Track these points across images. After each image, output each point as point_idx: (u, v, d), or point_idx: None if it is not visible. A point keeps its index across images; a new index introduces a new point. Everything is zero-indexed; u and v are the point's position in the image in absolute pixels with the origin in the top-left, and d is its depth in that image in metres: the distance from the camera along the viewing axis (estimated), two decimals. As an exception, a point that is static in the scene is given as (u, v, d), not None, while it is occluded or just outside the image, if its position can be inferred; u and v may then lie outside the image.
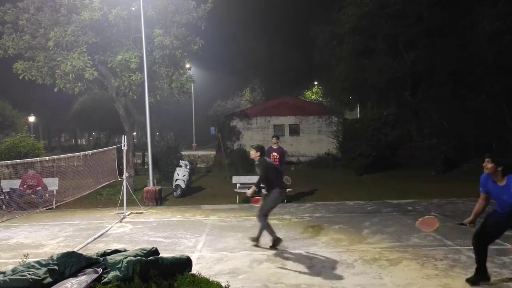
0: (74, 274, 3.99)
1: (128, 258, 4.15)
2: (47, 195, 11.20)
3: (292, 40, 42.00)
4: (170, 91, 12.75)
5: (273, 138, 10.65)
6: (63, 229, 8.34)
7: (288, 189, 11.02)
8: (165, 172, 14.63)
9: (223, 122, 25.29)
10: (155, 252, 4.71)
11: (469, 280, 4.80)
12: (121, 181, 10.39)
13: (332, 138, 19.52)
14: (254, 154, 6.70)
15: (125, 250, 4.81)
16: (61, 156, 12.32)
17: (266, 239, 6.65)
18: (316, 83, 44.19)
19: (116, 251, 4.69)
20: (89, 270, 4.07)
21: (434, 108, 21.30)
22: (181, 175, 12.18)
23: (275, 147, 10.37)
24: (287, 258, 5.93)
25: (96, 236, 7.59)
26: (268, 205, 6.56)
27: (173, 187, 12.29)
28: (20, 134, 15.46)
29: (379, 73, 20.61)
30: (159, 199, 11.15)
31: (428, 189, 12.22)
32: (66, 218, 9.53)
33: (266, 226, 6.51)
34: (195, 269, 4.89)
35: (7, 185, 10.93)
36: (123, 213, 9.48)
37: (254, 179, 10.88)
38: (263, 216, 6.53)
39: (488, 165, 4.63)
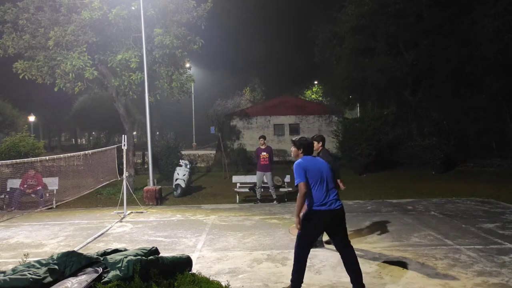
0: (75, 274, 3.99)
1: (128, 258, 4.15)
2: (47, 194, 11.21)
3: (292, 40, 42.12)
4: (170, 90, 12.75)
5: (260, 139, 10.82)
6: (63, 228, 8.35)
7: (288, 189, 11.06)
8: (165, 171, 14.64)
9: (223, 122, 25.32)
10: (155, 251, 4.71)
11: None
12: (121, 180, 10.39)
13: (332, 138, 19.53)
14: (316, 145, 6.51)
15: (125, 250, 4.81)
16: (61, 155, 12.33)
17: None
18: (316, 82, 44.20)
19: (116, 251, 4.70)
20: (89, 269, 4.08)
21: (434, 107, 21.32)
22: (181, 174, 12.19)
23: (263, 147, 10.62)
24: (287, 258, 5.92)
25: (96, 235, 7.59)
26: None
27: (173, 187, 12.29)
28: (20, 134, 15.45)
29: (379, 72, 20.62)
30: (159, 199, 11.15)
31: (428, 189, 12.23)
32: (66, 217, 9.54)
33: None
34: (195, 269, 4.90)
35: (8, 184, 10.94)
36: (123, 212, 9.48)
37: (254, 178, 10.97)
38: None
39: None
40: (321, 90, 42.47)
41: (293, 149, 4.81)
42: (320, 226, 4.65)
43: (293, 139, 4.90)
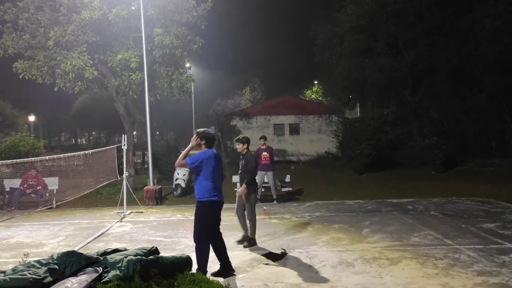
0: (75, 273, 3.99)
1: (128, 257, 4.15)
2: (47, 194, 11.21)
3: (292, 39, 42.09)
4: (170, 90, 12.76)
5: (261, 140, 10.83)
6: (63, 228, 8.35)
7: (288, 189, 11.06)
8: (165, 171, 14.65)
9: (223, 121, 25.35)
10: (155, 251, 4.71)
11: None
12: (121, 180, 10.39)
13: (332, 138, 19.54)
14: (241, 147, 6.66)
15: (125, 249, 4.81)
16: (61, 155, 12.33)
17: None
18: (316, 82, 44.17)
19: (116, 250, 4.70)
20: (90, 269, 4.07)
21: (434, 107, 21.32)
22: (181, 174, 12.19)
23: (263, 147, 10.66)
24: (287, 258, 5.93)
25: (96, 235, 7.59)
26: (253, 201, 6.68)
27: (173, 187, 12.29)
28: (20, 134, 15.45)
29: (379, 72, 20.61)
30: (159, 199, 11.16)
31: (428, 188, 12.23)
32: (66, 217, 9.54)
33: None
34: (195, 268, 4.90)
35: (7, 184, 10.94)
36: (123, 212, 9.48)
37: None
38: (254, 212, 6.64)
39: None
40: (321, 90, 42.43)
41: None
42: (213, 215, 5.12)
43: (198, 130, 5.21)
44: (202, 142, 5.09)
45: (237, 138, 6.77)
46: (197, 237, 5.09)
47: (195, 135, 5.12)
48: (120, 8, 11.20)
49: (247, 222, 6.68)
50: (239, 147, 6.68)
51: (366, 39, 21.82)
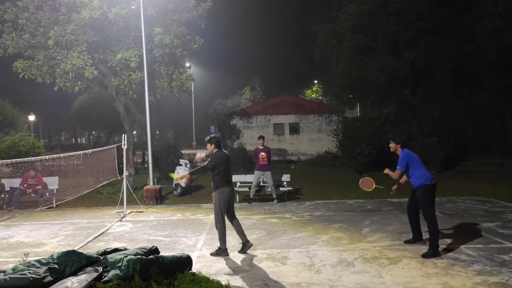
0: (75, 273, 3.99)
1: (129, 257, 4.15)
2: (47, 194, 11.22)
3: (292, 39, 42.01)
4: (170, 89, 12.76)
5: (259, 139, 10.82)
6: (63, 228, 8.35)
7: (288, 188, 11.07)
8: (165, 171, 14.65)
9: (223, 121, 25.36)
10: (155, 250, 4.71)
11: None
12: (121, 179, 10.39)
13: (332, 137, 19.52)
14: (210, 147, 6.25)
15: (125, 249, 4.81)
16: (61, 155, 12.34)
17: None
18: (316, 81, 44.16)
19: (116, 250, 4.69)
20: (90, 268, 4.07)
21: (434, 106, 21.30)
22: (181, 173, 12.19)
23: (261, 147, 10.67)
24: (287, 257, 5.93)
25: (96, 235, 7.60)
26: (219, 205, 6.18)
27: (173, 186, 12.29)
28: (20, 133, 15.47)
29: (379, 71, 20.58)
30: (159, 198, 11.16)
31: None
32: (66, 217, 9.54)
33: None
34: (195, 268, 4.89)
35: (7, 184, 10.95)
36: (123, 211, 9.49)
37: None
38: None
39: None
40: (321, 89, 42.42)
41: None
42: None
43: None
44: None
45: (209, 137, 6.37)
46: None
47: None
48: (120, 8, 11.19)
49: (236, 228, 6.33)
50: (209, 147, 6.26)
51: (366, 38, 21.77)
